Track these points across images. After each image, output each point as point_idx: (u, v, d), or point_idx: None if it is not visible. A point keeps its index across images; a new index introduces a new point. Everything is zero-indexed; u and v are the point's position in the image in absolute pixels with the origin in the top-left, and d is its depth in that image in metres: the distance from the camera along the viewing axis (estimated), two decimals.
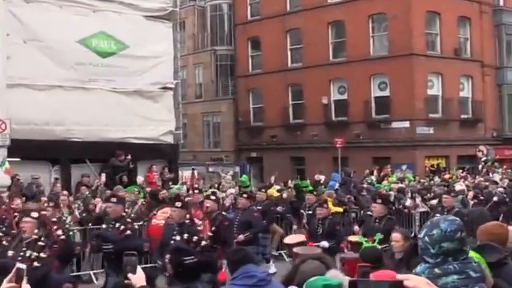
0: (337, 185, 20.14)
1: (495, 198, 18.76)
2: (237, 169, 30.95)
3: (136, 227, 9.54)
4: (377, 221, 10.02)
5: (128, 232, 8.97)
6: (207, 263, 8.74)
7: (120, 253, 8.03)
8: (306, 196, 17.95)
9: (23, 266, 3.21)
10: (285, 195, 17.94)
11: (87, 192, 15.80)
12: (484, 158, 29.52)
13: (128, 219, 9.41)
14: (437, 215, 10.34)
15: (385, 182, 21.73)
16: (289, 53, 36.28)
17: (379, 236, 7.79)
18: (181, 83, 23.89)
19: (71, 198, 14.95)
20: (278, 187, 18.67)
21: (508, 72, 34.78)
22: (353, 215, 18.75)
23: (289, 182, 20.38)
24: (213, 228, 9.85)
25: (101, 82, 19.23)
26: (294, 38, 35.99)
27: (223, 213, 15.79)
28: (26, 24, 17.88)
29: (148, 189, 17.23)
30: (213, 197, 11.83)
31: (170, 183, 19.31)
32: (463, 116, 32.79)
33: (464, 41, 33.65)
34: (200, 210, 15.87)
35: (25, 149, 16.82)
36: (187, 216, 8.87)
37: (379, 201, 10.41)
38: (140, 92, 20.09)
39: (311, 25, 33.89)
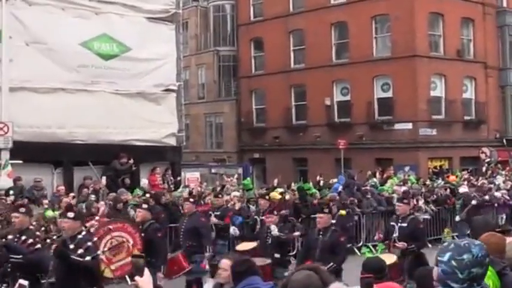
0: (340, 188, 20.07)
1: (473, 202, 18.71)
2: (240, 170, 30.87)
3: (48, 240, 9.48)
4: (321, 233, 9.21)
5: (38, 246, 8.25)
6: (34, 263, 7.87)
7: (26, 267, 7.84)
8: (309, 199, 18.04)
9: (25, 283, 3.19)
10: (287, 196, 17.89)
11: (93, 197, 15.76)
12: (487, 160, 29.44)
13: (37, 233, 8.94)
14: (392, 223, 10.32)
15: (388, 184, 21.65)
16: (292, 54, 36.23)
17: (381, 246, 7.72)
18: (184, 83, 23.86)
19: (73, 201, 14.90)
20: (281, 190, 18.60)
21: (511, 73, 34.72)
22: (356, 217, 18.73)
23: (293, 184, 20.32)
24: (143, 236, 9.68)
25: (104, 84, 19.19)
26: (296, 38, 35.93)
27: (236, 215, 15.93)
28: (28, 26, 17.84)
29: (151, 192, 17.18)
30: (145, 206, 10.83)
31: (173, 186, 19.28)
32: (466, 118, 32.69)
33: (467, 42, 33.57)
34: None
35: (27, 152, 16.78)
36: (82, 228, 7.77)
37: (326, 210, 9.63)
38: (143, 94, 20.05)
39: (314, 26, 33.84)
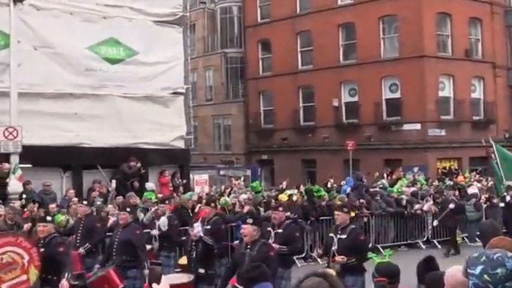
0: (349, 189, 20.04)
1: (451, 206, 18.04)
2: (248, 172, 30.87)
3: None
4: (248, 246, 8.16)
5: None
6: None
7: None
8: (316, 201, 18.01)
9: None
10: (294, 198, 17.88)
11: (99, 201, 15.78)
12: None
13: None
14: (331, 234, 9.35)
15: (397, 186, 21.59)
16: (299, 55, 36.22)
17: (388, 252, 7.61)
18: (192, 86, 23.89)
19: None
20: (289, 192, 18.59)
21: None
22: (365, 219, 18.69)
23: (301, 187, 20.30)
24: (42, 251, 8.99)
25: (112, 88, 19.25)
26: (304, 40, 35.91)
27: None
28: (36, 31, 17.93)
29: (160, 195, 17.20)
30: (49, 218, 9.99)
31: (181, 189, 19.30)
32: (474, 118, 32.58)
33: (475, 42, 33.45)
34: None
35: (36, 156, 16.83)
36: None
37: (250, 220, 8.31)
38: (151, 97, 20.09)
39: (321, 27, 33.81)
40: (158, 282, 3.91)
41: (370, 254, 8.07)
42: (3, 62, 16.96)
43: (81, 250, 11.59)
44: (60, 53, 18.31)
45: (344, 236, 9.04)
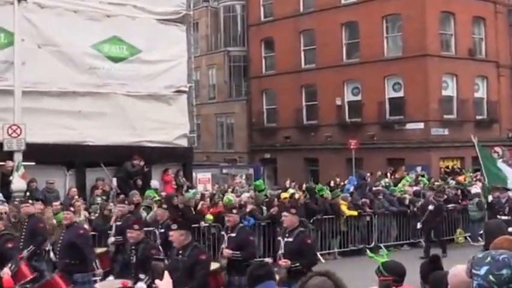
0: (352, 188, 20.05)
1: (430, 207, 17.71)
2: (251, 171, 30.89)
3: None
4: (180, 252, 7.74)
5: None
6: None
7: None
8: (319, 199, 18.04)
9: None
10: (296, 195, 17.91)
11: (99, 199, 15.83)
12: (500, 160, 29.25)
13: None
14: (279, 238, 8.94)
15: (400, 185, 21.58)
16: (302, 54, 36.22)
17: (385, 252, 7.57)
18: (195, 84, 23.88)
19: (84, 205, 14.99)
20: (292, 191, 18.62)
21: None
22: (367, 218, 18.71)
23: (304, 185, 20.33)
24: None
25: (115, 86, 19.25)
26: (307, 38, 35.91)
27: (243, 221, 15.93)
28: (40, 29, 17.93)
29: (163, 193, 17.23)
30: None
31: (185, 187, 19.31)
32: (478, 117, 32.55)
33: (479, 41, 33.41)
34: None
35: (40, 153, 16.86)
36: None
37: (174, 226, 7.85)
38: (154, 95, 20.09)
39: (324, 26, 33.80)
40: (161, 278, 3.92)
41: (369, 254, 7.94)
42: (7, 60, 17.00)
43: (25, 253, 10.62)
44: (64, 51, 18.31)
45: (291, 239, 8.52)
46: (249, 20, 39.65)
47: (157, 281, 3.92)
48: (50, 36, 18.18)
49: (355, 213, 18.35)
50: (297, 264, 8.22)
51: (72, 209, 10.36)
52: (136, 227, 8.80)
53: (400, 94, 31.69)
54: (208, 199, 16.98)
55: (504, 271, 3.23)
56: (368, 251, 14.95)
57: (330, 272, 3.92)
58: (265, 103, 38.57)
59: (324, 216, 17.61)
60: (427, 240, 17.89)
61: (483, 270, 3.26)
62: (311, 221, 17.41)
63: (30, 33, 17.55)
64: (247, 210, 16.13)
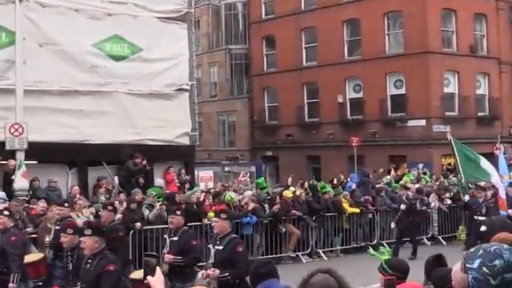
0: (354, 186, 20.06)
1: (402, 207, 17.21)
2: (253, 168, 30.89)
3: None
4: (89, 260, 6.97)
5: None
6: None
7: None
8: (322, 196, 18.05)
9: None
10: (297, 192, 17.93)
11: (102, 198, 15.85)
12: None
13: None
14: (210, 246, 8.34)
15: (402, 182, 21.58)
16: (304, 51, 36.22)
17: (386, 249, 7.56)
18: (196, 82, 23.89)
19: (86, 203, 15.01)
20: (294, 188, 18.64)
21: None
22: (370, 215, 18.73)
23: (306, 183, 20.34)
24: None
25: (117, 85, 19.24)
26: (308, 36, 35.91)
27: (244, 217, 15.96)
28: (41, 28, 17.93)
29: (167, 191, 17.26)
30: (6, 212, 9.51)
31: (187, 185, 19.33)
32: (479, 114, 32.55)
33: (480, 38, 33.38)
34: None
35: (42, 152, 16.85)
36: None
37: (88, 231, 6.99)
38: (156, 94, 20.09)
39: (326, 23, 33.80)
40: (153, 274, 3.92)
41: (371, 251, 7.88)
42: (9, 59, 16.99)
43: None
44: (65, 50, 18.31)
45: (221, 247, 7.82)
46: (250, 17, 39.64)
47: (149, 277, 3.91)
48: (51, 35, 18.17)
49: (357, 210, 18.38)
50: (226, 274, 7.55)
51: (5, 213, 9.62)
52: (69, 231, 8.01)
53: (402, 91, 31.68)
54: (211, 197, 16.97)
55: (497, 262, 3.22)
56: (370, 249, 14.96)
57: (332, 270, 3.95)
58: (266, 101, 38.58)
59: (326, 214, 17.64)
60: (397, 240, 17.44)
61: (476, 263, 3.26)
62: (313, 218, 17.45)
63: (32, 32, 17.53)
64: (249, 208, 16.14)
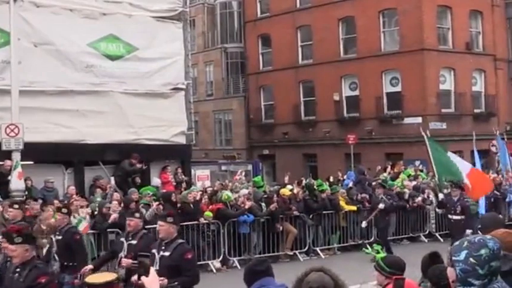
0: (351, 184, 20.06)
1: (381, 206, 16.79)
2: (250, 167, 30.87)
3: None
4: (18, 270, 6.29)
5: None
6: None
7: None
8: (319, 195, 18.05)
9: None
10: (295, 190, 17.93)
11: (98, 198, 15.82)
12: (499, 153, 29.25)
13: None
14: (154, 250, 7.46)
15: (398, 179, 21.57)
16: (299, 49, 36.20)
17: (379, 247, 7.53)
18: (192, 81, 23.88)
19: (84, 203, 14.98)
20: (291, 186, 18.63)
21: None
22: (366, 213, 18.71)
23: (303, 181, 20.34)
24: None
25: (112, 84, 19.23)
26: (304, 34, 35.88)
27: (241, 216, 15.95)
28: (36, 28, 17.90)
29: (162, 191, 17.24)
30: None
31: (184, 184, 19.31)
32: (476, 111, 32.56)
33: (476, 35, 33.40)
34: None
35: (38, 153, 16.85)
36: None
37: (19, 239, 6.30)
38: (151, 93, 20.07)
39: (321, 21, 33.79)
40: (147, 274, 3.91)
41: (366, 250, 7.84)
42: (4, 59, 16.96)
43: None
44: (61, 50, 18.29)
45: (167, 254, 7.19)
46: (246, 16, 39.60)
47: (143, 278, 3.90)
48: (46, 35, 18.15)
49: (354, 208, 18.38)
50: (175, 283, 7.03)
51: (64, 210, 9.75)
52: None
53: (398, 89, 31.68)
54: (207, 196, 16.94)
55: (483, 251, 3.32)
56: (368, 246, 14.93)
57: (325, 268, 3.97)
58: (262, 99, 38.56)
59: (324, 212, 17.63)
60: (383, 241, 16.78)
61: (463, 255, 3.35)
62: (310, 216, 17.44)
63: (27, 32, 17.50)
64: (246, 207, 16.13)
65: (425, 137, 16.72)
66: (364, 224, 17.42)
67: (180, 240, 7.50)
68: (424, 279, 5.92)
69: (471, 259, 3.32)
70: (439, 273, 5.17)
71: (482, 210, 17.85)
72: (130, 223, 8.54)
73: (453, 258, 3.39)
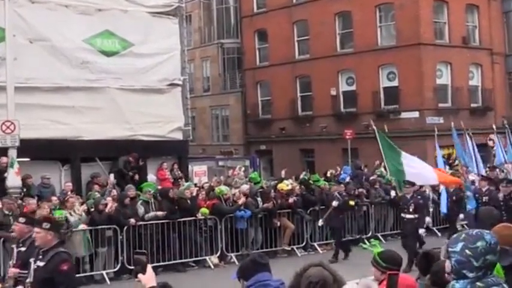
0: (348, 178, 20.05)
1: (334, 204, 16.11)
2: (247, 162, 30.86)
3: None
4: (40, 255, 6.31)
5: None
6: None
7: None
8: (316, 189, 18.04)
9: None
10: (290, 186, 17.92)
11: (96, 193, 15.80)
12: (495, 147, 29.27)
13: None
14: (31, 260, 6.63)
15: None
16: (296, 44, 36.12)
17: (376, 241, 7.50)
18: (189, 77, 23.82)
19: (80, 200, 14.97)
20: (288, 182, 18.62)
21: None
22: (364, 208, 18.72)
23: (300, 176, 20.34)
24: None
25: (108, 80, 19.20)
26: (300, 29, 35.81)
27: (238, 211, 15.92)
28: (31, 24, 17.86)
29: (159, 187, 17.20)
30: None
31: (181, 180, 19.26)
32: (473, 105, 32.54)
33: (472, 29, 33.37)
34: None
35: (34, 149, 16.81)
36: None
37: (47, 224, 6.37)
38: (148, 89, 20.04)
39: (318, 16, 33.72)
40: (144, 272, 3.89)
41: (363, 245, 7.81)
42: None
43: None
44: (56, 46, 18.25)
45: (42, 264, 6.28)
46: (242, 11, 39.51)
47: (140, 275, 3.88)
48: (42, 31, 18.11)
49: (352, 203, 18.35)
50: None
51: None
52: None
53: (395, 83, 31.65)
54: (204, 192, 16.91)
55: (479, 243, 3.31)
56: (366, 241, 14.92)
57: (324, 263, 3.96)
58: (259, 95, 38.49)
59: (321, 207, 17.60)
60: (336, 240, 16.57)
61: (459, 246, 3.34)
62: (308, 212, 17.44)
63: (22, 28, 17.47)
64: (240, 202, 16.10)
65: (376, 133, 16.32)
66: (320, 223, 16.74)
67: (61, 249, 6.45)
68: (420, 275, 5.92)
69: (467, 251, 3.32)
70: (440, 269, 5.15)
71: (444, 209, 17.76)
72: (15, 228, 7.74)
73: (449, 249, 3.40)
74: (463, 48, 32.04)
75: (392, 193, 15.96)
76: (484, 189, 15.73)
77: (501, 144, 22.36)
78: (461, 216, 17.00)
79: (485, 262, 3.31)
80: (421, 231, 14.32)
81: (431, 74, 30.89)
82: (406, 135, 30.06)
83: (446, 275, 3.51)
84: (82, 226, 13.87)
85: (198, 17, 41.93)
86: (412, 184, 14.84)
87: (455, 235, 3.50)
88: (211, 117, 41.72)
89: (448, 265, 3.44)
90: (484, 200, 15.63)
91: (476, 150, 20.76)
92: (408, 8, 30.41)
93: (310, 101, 35.19)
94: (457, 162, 23.36)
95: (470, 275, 3.31)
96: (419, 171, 15.59)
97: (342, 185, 17.05)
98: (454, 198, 17.70)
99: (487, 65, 33.53)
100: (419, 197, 15.17)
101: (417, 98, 30.33)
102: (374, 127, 16.48)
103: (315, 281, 3.75)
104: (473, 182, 16.68)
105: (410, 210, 14.45)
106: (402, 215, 14.89)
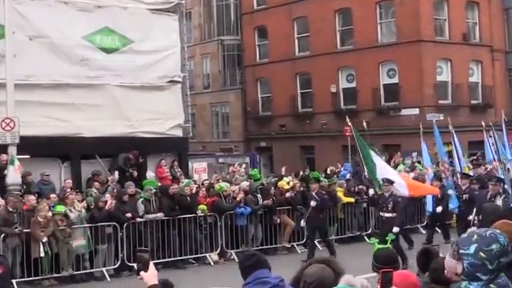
0: (348, 175, 20.03)
1: (312, 203, 15.41)
2: (247, 159, 30.85)
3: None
4: None
5: None
6: None
7: None
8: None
9: None
10: (291, 183, 17.89)
11: (94, 190, 15.79)
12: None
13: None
14: None
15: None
16: (296, 41, 36.12)
17: (391, 236, 7.49)
18: (189, 74, 23.80)
19: (79, 197, 14.95)
20: (288, 179, 18.60)
21: None
22: (364, 205, 18.70)
23: (301, 173, 20.32)
24: None
25: (108, 77, 19.15)
26: (301, 26, 35.78)
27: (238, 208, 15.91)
28: (31, 21, 17.82)
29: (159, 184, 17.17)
30: None
31: (182, 177, 19.24)
32: (473, 102, 32.56)
33: (472, 26, 33.34)
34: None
35: (34, 146, 16.81)
36: None
37: None
38: (148, 86, 20.00)
39: (318, 13, 33.69)
40: (146, 269, 3.87)
41: (372, 240, 7.80)
42: None
43: None
44: (56, 43, 18.22)
45: None
46: (242, 8, 39.47)
47: (142, 273, 3.86)
48: (41, 28, 18.07)
49: (352, 200, 18.36)
50: None
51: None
52: None
53: (395, 80, 31.65)
54: (204, 188, 16.89)
55: (494, 246, 3.22)
56: (370, 238, 14.78)
57: (330, 259, 3.92)
58: (259, 91, 38.48)
59: None
60: (310, 241, 16.00)
61: (472, 249, 3.23)
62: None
63: (21, 25, 17.40)
64: (238, 199, 16.07)
65: (351, 127, 16.13)
66: (302, 223, 16.22)
67: None
68: (419, 272, 5.90)
69: (481, 253, 3.21)
70: (439, 266, 5.13)
71: (429, 207, 17.63)
72: None
73: (461, 251, 3.27)
74: (463, 45, 32.04)
75: (371, 191, 15.68)
76: (464, 187, 15.60)
77: (497, 140, 22.23)
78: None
79: (499, 264, 3.23)
80: (395, 229, 13.83)
81: (432, 70, 30.89)
82: (406, 132, 30.04)
83: (451, 274, 3.44)
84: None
85: (198, 13, 41.87)
86: (391, 182, 14.46)
87: (465, 235, 3.39)
88: (211, 114, 41.70)
89: (458, 266, 3.35)
90: (464, 198, 15.53)
91: (458, 146, 20.57)
92: (408, 5, 30.39)
93: (310, 97, 35.20)
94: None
95: (484, 277, 3.23)
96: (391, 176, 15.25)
97: (318, 184, 16.31)
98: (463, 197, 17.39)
99: (487, 62, 33.51)
100: (397, 195, 14.69)
101: (417, 94, 30.32)
102: (350, 124, 16.35)
103: (310, 281, 3.73)
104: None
105: (389, 208, 14.21)
106: (381, 213, 14.64)
